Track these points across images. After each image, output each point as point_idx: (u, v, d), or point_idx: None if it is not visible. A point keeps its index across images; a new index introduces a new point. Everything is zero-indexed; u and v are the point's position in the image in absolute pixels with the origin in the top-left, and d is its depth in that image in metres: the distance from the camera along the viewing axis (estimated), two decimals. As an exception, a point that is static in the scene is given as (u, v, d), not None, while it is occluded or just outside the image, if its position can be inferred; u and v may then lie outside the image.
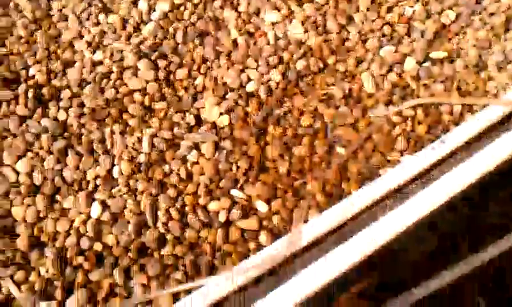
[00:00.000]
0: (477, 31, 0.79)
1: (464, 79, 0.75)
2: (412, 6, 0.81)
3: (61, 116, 0.75)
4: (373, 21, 0.80)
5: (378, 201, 0.63)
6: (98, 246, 0.65)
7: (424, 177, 0.65)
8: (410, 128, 0.72)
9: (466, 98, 0.73)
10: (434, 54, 0.77)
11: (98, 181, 0.70)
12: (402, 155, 0.69)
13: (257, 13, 0.83)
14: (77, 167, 0.71)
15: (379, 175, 0.67)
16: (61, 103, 0.75)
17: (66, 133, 0.73)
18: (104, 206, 0.68)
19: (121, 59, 0.80)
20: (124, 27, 0.83)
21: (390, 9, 0.82)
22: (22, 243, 0.66)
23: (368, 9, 0.81)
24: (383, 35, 0.79)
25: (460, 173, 0.62)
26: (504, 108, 0.68)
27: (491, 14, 0.80)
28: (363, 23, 0.80)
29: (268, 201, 0.68)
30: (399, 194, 0.65)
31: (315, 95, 0.75)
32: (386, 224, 0.60)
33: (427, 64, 0.76)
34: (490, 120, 0.68)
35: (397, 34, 0.79)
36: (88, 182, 0.70)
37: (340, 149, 0.71)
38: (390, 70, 0.76)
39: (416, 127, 0.72)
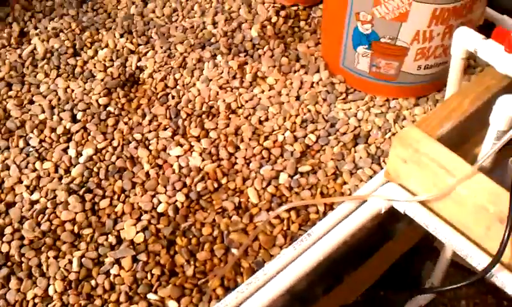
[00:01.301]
0: (333, 148, 0.99)
1: (325, 185, 0.94)
2: (283, 134, 1.01)
3: (4, 248, 0.88)
4: (254, 148, 0.99)
5: (261, 286, 0.79)
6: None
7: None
8: (286, 227, 0.88)
9: (327, 199, 0.92)
10: (301, 168, 0.96)
11: (37, 300, 0.82)
12: (281, 249, 0.86)
13: (164, 149, 1.00)
14: (18, 290, 0.83)
15: (264, 267, 0.83)
16: (4, 238, 0.88)
17: (8, 263, 0.86)
18: (42, 319, 0.80)
19: (55, 197, 0.94)
20: (56, 171, 0.98)
21: (266, 138, 1.01)
22: None
23: (250, 139, 1.01)
24: (262, 158, 0.98)
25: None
26: (355, 202, 0.86)
27: (343, 133, 1.01)
28: (246, 150, 0.99)
29: (178, 300, 0.82)
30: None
31: (212, 209, 0.92)
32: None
33: (296, 176, 0.95)
34: (344, 213, 0.86)
35: (273, 156, 0.98)
36: (28, 302, 0.82)
37: (234, 250, 0.87)
38: (269, 184, 0.94)
39: (290, 226, 0.89)
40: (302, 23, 1.21)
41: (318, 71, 1.10)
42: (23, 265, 0.86)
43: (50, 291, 0.83)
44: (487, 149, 0.74)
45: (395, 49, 0.95)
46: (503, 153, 0.86)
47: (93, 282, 0.84)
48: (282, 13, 1.22)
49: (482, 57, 0.79)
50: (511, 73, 0.76)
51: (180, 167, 0.97)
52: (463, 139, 0.81)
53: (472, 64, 1.10)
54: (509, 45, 0.75)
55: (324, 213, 0.90)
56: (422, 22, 0.89)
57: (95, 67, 1.14)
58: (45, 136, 1.02)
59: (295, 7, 1.24)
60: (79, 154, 1.00)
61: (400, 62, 0.97)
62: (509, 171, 0.84)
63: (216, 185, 0.94)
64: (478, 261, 0.71)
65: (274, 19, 1.21)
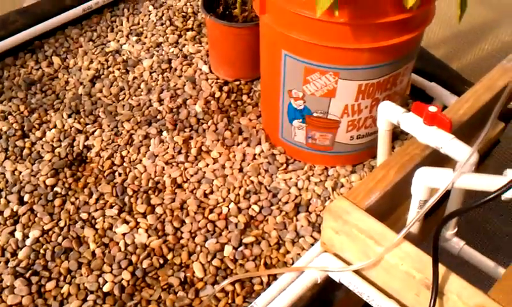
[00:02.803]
0: (276, 217, 1.01)
1: (268, 255, 0.95)
2: (228, 206, 1.03)
3: None
4: (199, 221, 1.00)
5: None
6: None
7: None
8: (231, 300, 0.89)
9: (271, 270, 0.93)
10: (246, 240, 0.97)
11: None
12: (226, 323, 0.86)
13: (111, 227, 1.01)
14: None
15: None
16: None
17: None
18: None
19: (1, 281, 0.93)
20: (3, 254, 0.97)
21: (211, 211, 1.02)
22: None
23: (195, 213, 1.02)
24: (208, 231, 0.99)
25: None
26: (297, 273, 0.88)
27: (285, 203, 1.03)
28: (192, 224, 1.00)
29: None
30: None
31: (158, 286, 0.92)
32: None
33: (241, 248, 0.96)
34: (286, 283, 0.87)
35: (218, 228, 1.00)
36: None
37: (180, 327, 0.87)
38: (214, 257, 0.95)
39: (235, 298, 0.89)
40: (244, 97, 1.25)
41: (260, 143, 1.13)
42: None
43: None
44: (411, 218, 0.77)
45: (327, 122, 0.99)
46: (433, 219, 0.90)
47: None
48: (225, 88, 1.27)
49: (404, 129, 0.84)
50: (431, 144, 0.80)
51: (126, 245, 0.97)
52: (391, 208, 0.85)
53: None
54: (426, 117, 0.80)
55: (268, 284, 0.91)
56: (350, 97, 0.94)
57: (42, 148, 1.14)
58: (-8, 220, 1.02)
59: (237, 82, 1.28)
60: (25, 236, 0.99)
61: (333, 134, 1.01)
62: (439, 238, 0.87)
63: (161, 261, 0.95)
64: (411, 326, 0.73)
65: (217, 94, 1.25)
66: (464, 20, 1.41)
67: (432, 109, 0.79)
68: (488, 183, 0.68)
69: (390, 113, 0.85)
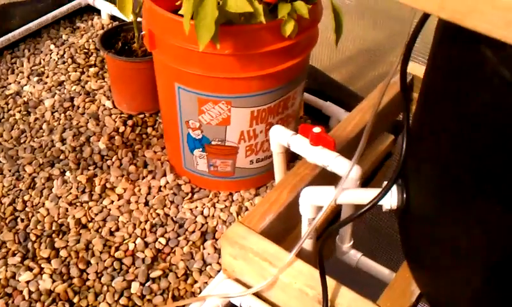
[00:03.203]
0: (183, 248, 1.02)
1: (176, 287, 0.96)
2: (134, 242, 1.03)
3: None
4: (105, 261, 0.99)
5: None
6: None
7: None
8: (140, 337, 0.89)
9: (177, 302, 0.93)
10: (153, 274, 0.96)
11: None
12: None
13: (14, 276, 0.98)
14: None
15: None
16: None
17: None
18: None
19: None
20: None
21: (117, 248, 1.01)
22: None
23: (101, 252, 1.01)
24: (114, 269, 0.98)
25: None
26: (201, 302, 0.88)
27: (191, 232, 1.04)
28: (98, 264, 0.99)
29: None
30: None
31: (65, 331, 0.90)
32: None
33: (148, 283, 0.96)
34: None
35: (125, 265, 0.99)
36: None
37: None
38: (121, 295, 0.94)
39: (144, 335, 0.89)
40: (149, 130, 1.25)
41: (165, 175, 1.14)
42: None
43: None
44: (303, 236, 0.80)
45: (226, 149, 1.01)
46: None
47: None
48: (129, 122, 1.26)
49: (294, 150, 0.87)
50: (319, 163, 0.84)
51: (30, 293, 0.95)
52: (287, 228, 0.87)
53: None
54: (312, 138, 0.83)
55: (176, 316, 0.91)
56: (244, 124, 0.97)
57: None
58: None
59: (142, 115, 1.28)
60: None
61: (233, 160, 1.03)
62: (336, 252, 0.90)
63: (67, 306, 0.93)
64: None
65: (121, 129, 1.25)
66: (360, 43, 1.49)
67: (316, 130, 0.82)
68: (367, 196, 0.72)
69: (280, 136, 0.88)
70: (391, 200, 0.70)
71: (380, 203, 0.70)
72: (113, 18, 1.59)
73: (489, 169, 0.49)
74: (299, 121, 1.13)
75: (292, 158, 1.12)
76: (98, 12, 1.62)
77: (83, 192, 1.12)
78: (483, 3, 0.41)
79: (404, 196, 0.69)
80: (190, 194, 1.10)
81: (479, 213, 0.54)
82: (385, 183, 0.70)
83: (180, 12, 0.84)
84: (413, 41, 0.54)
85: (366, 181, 1.06)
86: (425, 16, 0.52)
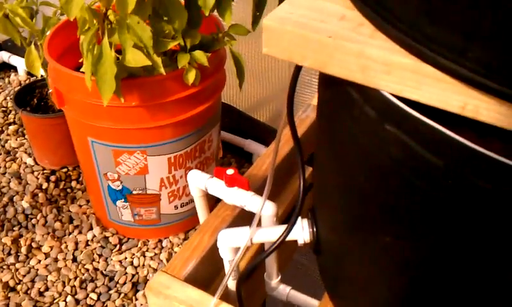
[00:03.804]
0: (115, 301, 1.00)
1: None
2: (64, 300, 1.00)
3: None
4: (33, 325, 0.97)
5: None
6: None
7: None
8: None
9: None
10: (84, 333, 0.96)
11: None
12: None
13: None
14: None
15: None
16: None
17: None
18: None
19: None
20: None
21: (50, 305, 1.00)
22: None
23: (28, 317, 0.99)
24: (43, 333, 0.96)
25: None
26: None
27: (122, 284, 1.03)
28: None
29: None
30: None
31: None
32: None
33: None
34: None
35: (54, 328, 0.97)
36: None
37: None
38: None
39: None
40: (73, 183, 1.24)
41: (91, 228, 1.12)
42: None
43: None
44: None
45: (148, 198, 1.01)
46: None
47: None
48: (52, 177, 1.24)
49: (211, 193, 0.88)
50: (237, 203, 0.85)
51: None
52: (213, 273, 0.87)
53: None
54: (226, 180, 0.84)
55: None
56: (163, 171, 0.97)
57: None
58: None
59: (65, 169, 1.26)
60: None
61: (157, 207, 1.03)
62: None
63: None
64: None
65: (45, 185, 1.22)
66: (278, 82, 1.51)
67: (229, 172, 0.83)
68: (280, 233, 0.73)
69: (197, 181, 0.88)
70: (303, 234, 0.72)
71: (294, 237, 0.72)
72: (30, 74, 1.57)
73: (377, 204, 0.52)
74: (219, 162, 1.14)
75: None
76: (14, 69, 1.60)
77: (9, 254, 1.08)
78: (338, 52, 0.44)
79: (315, 229, 0.71)
80: (118, 246, 1.09)
81: (379, 245, 0.56)
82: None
83: (81, 70, 0.84)
84: (292, 91, 0.56)
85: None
86: (298, 67, 0.54)
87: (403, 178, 0.45)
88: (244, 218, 0.88)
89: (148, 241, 1.10)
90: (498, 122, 0.39)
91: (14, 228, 1.14)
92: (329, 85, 0.52)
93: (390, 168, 0.46)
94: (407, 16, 0.41)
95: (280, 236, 0.67)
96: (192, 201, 1.05)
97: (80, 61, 0.88)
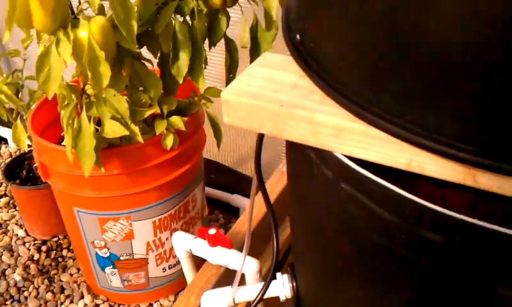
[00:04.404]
0: None
1: None
2: None
3: None
4: None
5: None
6: None
7: None
8: None
9: None
10: None
11: None
12: None
13: None
14: None
15: None
16: None
17: None
18: None
19: None
20: None
21: None
22: None
23: None
24: None
25: None
26: None
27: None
28: None
29: None
30: None
31: None
32: None
33: None
34: None
35: None
36: None
37: None
38: None
39: None
40: (65, 252, 1.24)
41: (82, 297, 1.12)
42: None
43: None
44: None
45: (135, 262, 1.01)
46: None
47: None
48: (44, 247, 1.25)
49: (195, 254, 0.89)
50: (220, 262, 0.86)
51: None
52: (199, 332, 0.88)
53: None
54: (209, 240, 0.86)
55: None
56: (149, 235, 0.98)
57: None
58: None
59: (56, 238, 1.27)
60: None
61: (145, 271, 1.04)
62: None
63: None
64: None
65: (36, 256, 1.23)
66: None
67: (211, 231, 0.85)
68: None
69: (181, 242, 0.90)
70: (284, 290, 0.73)
71: (275, 294, 0.73)
72: (20, 145, 1.60)
73: (344, 259, 0.53)
74: (206, 219, 1.16)
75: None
76: (5, 140, 1.63)
77: (0, 330, 1.09)
78: (290, 119, 0.46)
79: (295, 284, 0.72)
80: (109, 312, 1.09)
81: (353, 298, 0.57)
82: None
83: (63, 143, 0.87)
84: (258, 157, 0.58)
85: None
86: (260, 134, 0.56)
87: (362, 235, 0.47)
88: (229, 276, 0.88)
89: (139, 305, 1.10)
90: (440, 175, 0.41)
91: (7, 302, 1.14)
92: (292, 146, 0.54)
93: (350, 225, 0.48)
94: (352, 84, 0.44)
95: (258, 294, 0.68)
96: (179, 262, 1.06)
97: (62, 134, 0.90)
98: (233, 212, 1.28)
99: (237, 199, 1.26)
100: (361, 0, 0.39)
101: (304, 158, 0.52)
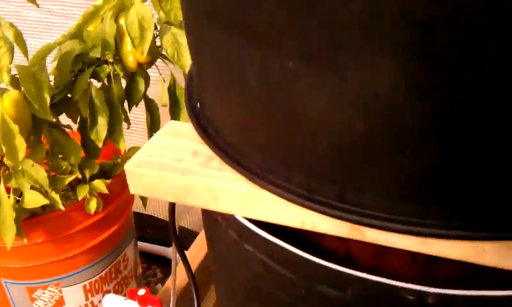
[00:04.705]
0: None
1: None
2: None
3: None
4: None
5: None
6: None
7: None
8: None
9: None
10: None
11: None
12: None
13: None
14: None
15: None
16: None
17: None
18: None
19: None
20: None
21: None
22: None
23: None
24: None
25: None
26: None
27: None
28: None
29: None
30: None
31: None
32: None
33: None
34: None
35: None
36: None
37: None
38: None
39: None
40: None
41: None
42: None
43: None
44: None
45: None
46: None
47: None
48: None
49: (127, 316, 0.89)
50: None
51: None
52: None
53: None
54: (139, 301, 0.86)
55: None
56: (80, 299, 0.96)
57: None
58: None
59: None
60: None
61: (80, 336, 1.02)
62: None
63: None
64: None
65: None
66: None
67: (141, 292, 0.85)
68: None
69: (112, 305, 0.89)
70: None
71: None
72: None
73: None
74: (142, 277, 1.15)
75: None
76: None
77: None
78: (191, 186, 0.48)
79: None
80: None
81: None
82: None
83: (-18, 217, 0.85)
84: (173, 225, 0.60)
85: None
86: (171, 202, 0.58)
87: (267, 291, 0.49)
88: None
89: None
90: (332, 232, 0.44)
91: None
92: (203, 210, 0.56)
93: (254, 283, 0.50)
94: (245, 151, 0.46)
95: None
96: (116, 323, 1.04)
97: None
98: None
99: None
100: (241, 77, 0.41)
101: (213, 221, 0.54)
